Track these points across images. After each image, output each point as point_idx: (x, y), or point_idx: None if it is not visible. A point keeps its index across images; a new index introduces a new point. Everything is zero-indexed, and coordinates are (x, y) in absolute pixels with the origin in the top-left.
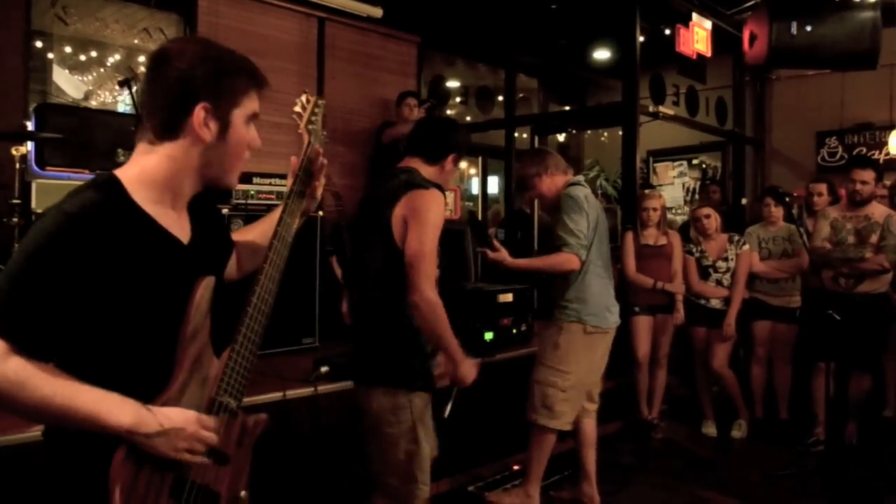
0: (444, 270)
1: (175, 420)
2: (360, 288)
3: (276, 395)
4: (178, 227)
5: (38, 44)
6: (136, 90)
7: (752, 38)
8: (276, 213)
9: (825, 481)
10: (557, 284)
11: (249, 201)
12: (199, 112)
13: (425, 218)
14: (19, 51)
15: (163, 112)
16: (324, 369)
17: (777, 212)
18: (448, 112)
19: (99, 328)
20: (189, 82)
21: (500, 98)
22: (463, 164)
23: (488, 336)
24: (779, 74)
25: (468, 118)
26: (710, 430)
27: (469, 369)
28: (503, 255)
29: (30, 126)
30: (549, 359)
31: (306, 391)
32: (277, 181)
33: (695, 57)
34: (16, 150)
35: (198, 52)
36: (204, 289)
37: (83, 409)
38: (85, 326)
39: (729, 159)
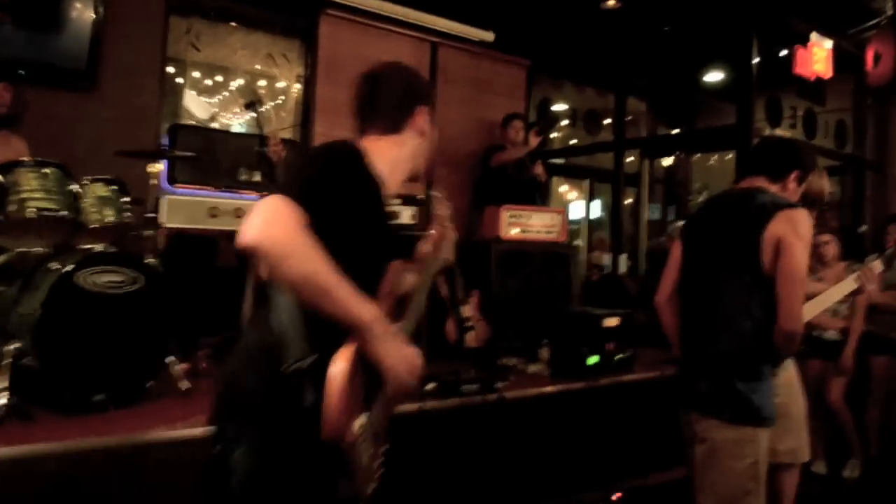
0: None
1: (400, 337)
2: (701, 312)
3: None
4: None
5: (171, 69)
6: (261, 112)
7: (878, 58)
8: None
9: None
10: None
11: None
12: (422, 112)
13: (803, 238)
14: (156, 76)
15: (393, 111)
16: (430, 386)
17: None
18: (554, 135)
19: (339, 252)
20: (412, 91)
21: (607, 121)
22: (564, 188)
23: (592, 360)
24: None
25: (575, 140)
26: (820, 468)
27: None
28: None
29: (164, 145)
30: None
31: (413, 407)
32: (391, 201)
33: (813, 78)
34: (152, 167)
35: (408, 70)
36: (398, 268)
37: (345, 291)
38: (332, 244)
39: (848, 184)
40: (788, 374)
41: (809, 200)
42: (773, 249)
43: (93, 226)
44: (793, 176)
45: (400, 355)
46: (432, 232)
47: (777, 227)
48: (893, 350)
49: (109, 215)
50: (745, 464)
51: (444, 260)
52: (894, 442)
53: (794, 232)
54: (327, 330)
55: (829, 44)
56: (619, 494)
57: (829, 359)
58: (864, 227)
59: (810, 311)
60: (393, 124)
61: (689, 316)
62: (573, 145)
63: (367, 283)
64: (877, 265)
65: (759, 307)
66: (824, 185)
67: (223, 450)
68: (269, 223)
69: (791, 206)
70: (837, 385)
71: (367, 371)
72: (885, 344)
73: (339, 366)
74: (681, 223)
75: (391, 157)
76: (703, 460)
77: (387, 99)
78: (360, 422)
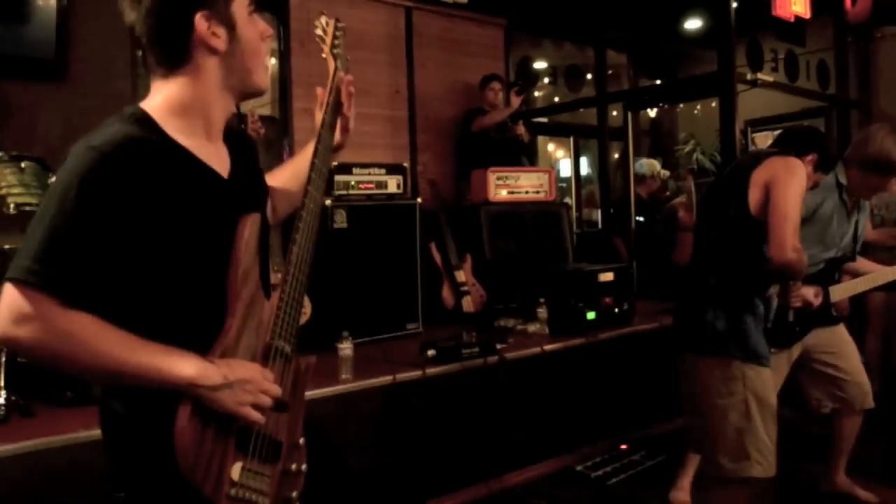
0: (543, 252)
1: (238, 372)
2: (695, 255)
3: (386, 379)
4: (217, 159)
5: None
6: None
7: None
8: (307, 151)
9: None
10: None
11: (350, 192)
12: (200, 22)
13: (796, 177)
14: (128, 60)
15: (164, 39)
16: (430, 353)
17: None
18: (536, 93)
19: (143, 275)
20: (178, 2)
21: (589, 76)
22: (552, 146)
23: (590, 315)
24: (884, 32)
25: (557, 98)
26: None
27: None
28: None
29: None
30: None
31: (415, 374)
32: (376, 171)
33: (793, 19)
34: None
35: None
36: (251, 225)
37: (144, 363)
38: (129, 274)
39: (833, 125)
40: (834, 329)
41: (881, 166)
42: (763, 190)
43: None
44: (810, 157)
45: (243, 398)
46: (319, 90)
47: (768, 168)
48: (889, 285)
49: None
50: (734, 400)
51: (343, 134)
52: (894, 377)
53: (786, 171)
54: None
55: None
56: (624, 446)
57: None
58: None
59: (858, 286)
60: (173, 57)
61: (690, 263)
62: (555, 103)
63: (206, 279)
64: None
65: (745, 246)
66: (891, 148)
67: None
68: (9, 326)
69: (787, 154)
70: None
71: (221, 416)
72: None
73: (179, 439)
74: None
75: (188, 104)
76: (695, 399)
77: (153, 26)
78: (236, 468)
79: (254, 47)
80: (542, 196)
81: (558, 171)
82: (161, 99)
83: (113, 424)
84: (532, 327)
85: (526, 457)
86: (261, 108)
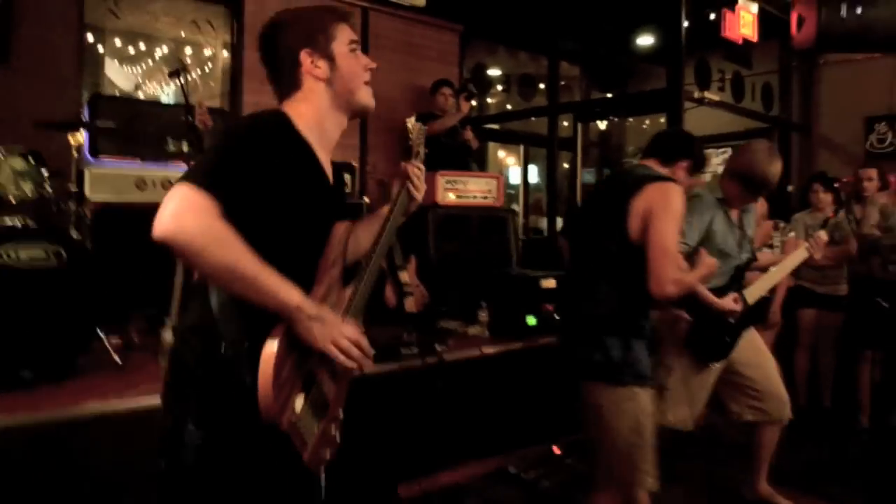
0: (488, 256)
1: (329, 315)
2: (576, 279)
3: None
4: (327, 167)
5: (91, 37)
6: (185, 80)
7: (801, 22)
8: (377, 218)
9: (867, 469)
10: None
11: None
12: (304, 59)
13: (672, 210)
14: (74, 45)
15: (282, 75)
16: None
17: (825, 198)
18: (489, 100)
19: (263, 228)
20: (288, 43)
21: (542, 86)
22: (502, 153)
23: (531, 321)
24: (827, 59)
25: (509, 106)
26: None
27: None
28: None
29: (84, 116)
30: None
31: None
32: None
33: (741, 42)
34: (72, 138)
35: (287, 19)
36: (344, 230)
37: (267, 279)
38: (254, 222)
39: (775, 146)
40: (751, 337)
41: (755, 183)
42: (642, 219)
43: (10, 200)
44: (683, 164)
45: (332, 335)
46: (405, 166)
47: (646, 196)
48: (820, 303)
49: (28, 189)
50: (629, 422)
51: (416, 200)
52: (820, 391)
53: (663, 203)
54: (260, 312)
55: (755, 7)
56: (557, 450)
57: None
58: (790, 187)
59: (768, 282)
60: (290, 84)
61: (568, 285)
62: (507, 111)
63: (306, 255)
64: (823, 235)
65: (625, 274)
66: (771, 170)
67: (174, 425)
68: (178, 216)
69: (664, 179)
70: (766, 338)
71: (303, 351)
72: (811, 297)
73: (268, 350)
74: None
75: (307, 117)
76: (592, 421)
77: (272, 60)
78: (299, 401)
79: (352, 73)
80: (489, 201)
81: (507, 178)
82: (293, 111)
83: (192, 361)
84: (473, 330)
85: (460, 457)
86: (210, 100)
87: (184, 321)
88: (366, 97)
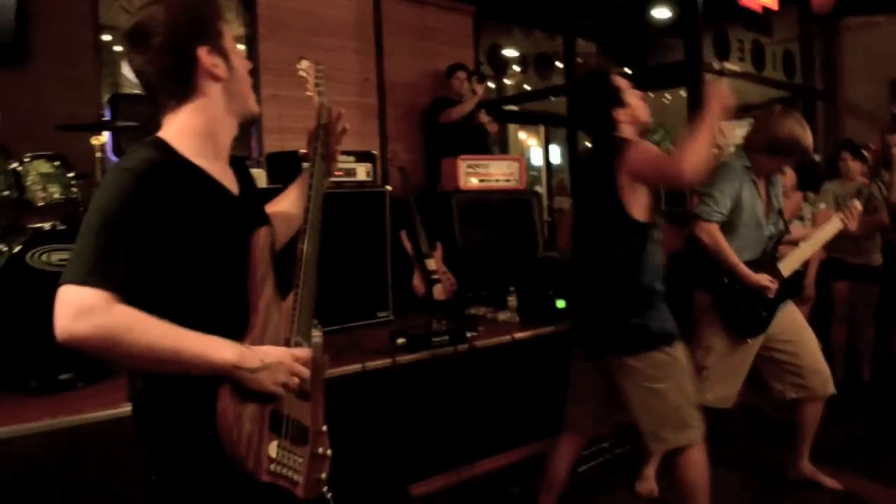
0: (514, 240)
1: (272, 354)
2: (585, 262)
3: (356, 367)
4: (226, 179)
5: (107, 37)
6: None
7: None
8: (301, 182)
9: None
10: None
11: None
12: (203, 56)
13: (637, 152)
14: (91, 45)
15: (172, 74)
16: (400, 341)
17: (854, 166)
18: (506, 81)
19: (176, 279)
20: (180, 37)
21: (559, 64)
22: (523, 135)
23: (560, 304)
24: (848, 23)
25: (527, 86)
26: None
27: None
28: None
29: (105, 116)
30: None
31: (384, 363)
32: (345, 158)
33: (760, 9)
34: (95, 139)
35: (171, 8)
36: (264, 237)
37: (190, 349)
38: (164, 279)
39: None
40: (790, 311)
41: (783, 147)
42: (630, 184)
43: (39, 204)
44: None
45: (279, 378)
46: (310, 131)
47: (625, 163)
48: (854, 275)
49: (55, 192)
50: (670, 383)
51: (333, 163)
52: (859, 365)
53: (631, 150)
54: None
55: None
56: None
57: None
58: (817, 157)
59: (802, 254)
60: (180, 90)
61: (576, 268)
62: (525, 91)
63: (230, 287)
64: (857, 204)
65: (632, 245)
66: (797, 130)
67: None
68: (68, 324)
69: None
70: (801, 313)
71: (257, 397)
72: (845, 269)
73: (220, 423)
74: None
75: (198, 129)
76: (632, 392)
77: (153, 62)
78: (272, 447)
79: (244, 75)
80: (512, 184)
81: (529, 160)
82: (175, 128)
83: (150, 414)
84: (502, 315)
85: (497, 444)
86: None
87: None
88: (255, 105)
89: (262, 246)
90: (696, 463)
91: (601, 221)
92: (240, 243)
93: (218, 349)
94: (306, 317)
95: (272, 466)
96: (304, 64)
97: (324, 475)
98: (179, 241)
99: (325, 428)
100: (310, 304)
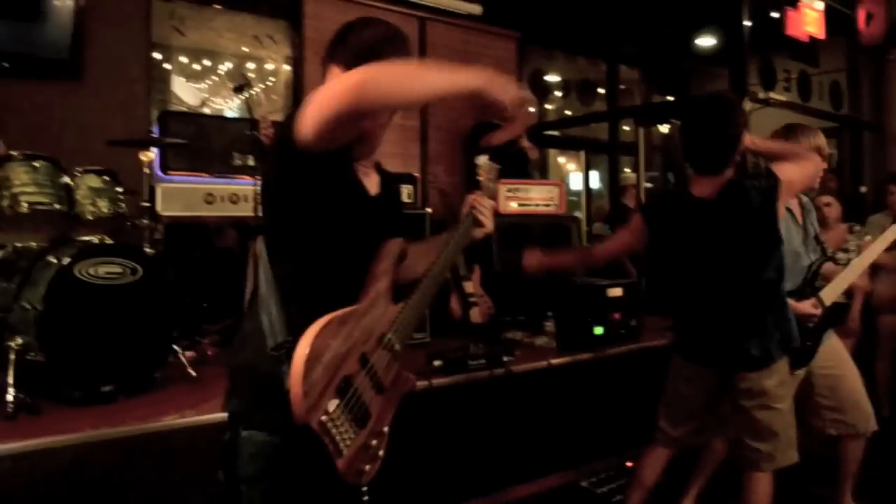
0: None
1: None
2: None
3: None
4: (368, 179)
5: (157, 55)
6: (250, 95)
7: (869, 17)
8: (443, 237)
9: None
10: None
11: None
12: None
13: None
14: (143, 62)
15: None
16: (437, 363)
17: None
18: (548, 107)
19: (317, 235)
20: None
21: (601, 91)
22: (563, 160)
23: (598, 331)
24: None
25: (568, 112)
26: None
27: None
28: None
29: (154, 133)
30: None
31: (422, 384)
32: None
33: (806, 39)
34: (144, 155)
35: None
36: (396, 245)
37: (432, 73)
38: (312, 233)
39: (845, 146)
40: (833, 344)
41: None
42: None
43: (88, 217)
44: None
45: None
46: (471, 198)
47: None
48: None
49: (104, 206)
50: (789, 401)
51: (480, 231)
52: None
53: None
54: (308, 313)
55: (820, 4)
56: (630, 463)
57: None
58: (863, 188)
59: (843, 283)
60: None
61: (704, 295)
62: (567, 117)
63: (352, 263)
64: None
65: (780, 265)
66: (820, 142)
67: (232, 435)
68: (321, 94)
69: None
70: (846, 347)
71: (337, 355)
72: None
73: (300, 350)
74: None
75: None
76: (757, 410)
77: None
78: (332, 404)
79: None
80: (552, 209)
81: (569, 185)
82: None
83: (245, 365)
84: (539, 340)
85: (531, 471)
86: (274, 114)
87: (244, 328)
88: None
89: (391, 251)
90: (766, 488)
91: (751, 249)
92: (370, 232)
93: (460, 72)
94: (407, 326)
95: (325, 418)
96: (482, 160)
97: (368, 468)
98: (327, 200)
99: (386, 429)
100: (413, 319)
